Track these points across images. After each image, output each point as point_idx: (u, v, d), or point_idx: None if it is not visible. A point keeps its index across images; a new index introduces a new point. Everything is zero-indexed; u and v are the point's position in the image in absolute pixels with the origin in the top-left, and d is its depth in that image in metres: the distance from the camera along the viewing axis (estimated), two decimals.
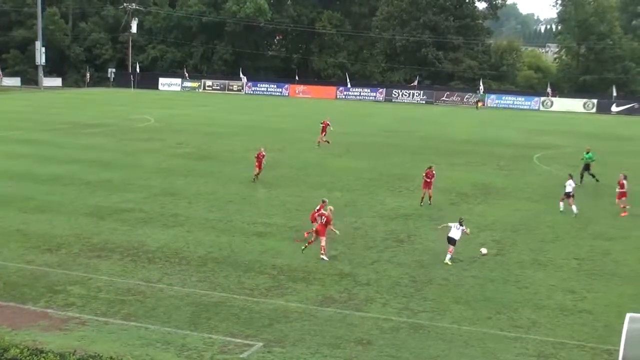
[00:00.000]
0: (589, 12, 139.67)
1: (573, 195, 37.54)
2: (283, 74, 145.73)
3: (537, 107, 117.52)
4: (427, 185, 38.71)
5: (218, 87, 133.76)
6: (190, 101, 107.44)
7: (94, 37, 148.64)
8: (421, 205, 38.44)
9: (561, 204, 38.14)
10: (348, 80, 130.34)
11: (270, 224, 33.77)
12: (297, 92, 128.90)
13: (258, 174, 44.10)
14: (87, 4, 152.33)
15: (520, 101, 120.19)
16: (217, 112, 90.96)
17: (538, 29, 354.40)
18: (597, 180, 45.77)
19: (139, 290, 24.51)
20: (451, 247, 28.40)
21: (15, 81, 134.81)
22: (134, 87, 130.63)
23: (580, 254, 30.44)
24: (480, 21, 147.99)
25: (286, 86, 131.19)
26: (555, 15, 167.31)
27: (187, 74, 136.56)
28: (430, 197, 38.91)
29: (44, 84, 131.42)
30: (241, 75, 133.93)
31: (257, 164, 44.10)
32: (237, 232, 32.15)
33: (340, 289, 25.18)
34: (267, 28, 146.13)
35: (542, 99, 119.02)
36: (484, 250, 29.62)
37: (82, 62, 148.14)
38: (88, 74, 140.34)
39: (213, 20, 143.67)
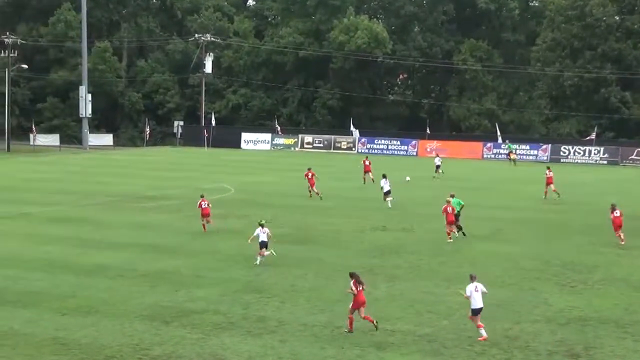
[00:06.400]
0: None
1: None
2: (409, 126, 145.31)
3: None
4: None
5: (321, 145, 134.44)
6: (283, 164, 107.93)
7: (155, 80, 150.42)
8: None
9: None
10: (499, 133, 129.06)
11: (393, 332, 33.47)
12: (428, 149, 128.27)
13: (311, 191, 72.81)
14: (146, 35, 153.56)
15: None
16: (320, 178, 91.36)
17: None
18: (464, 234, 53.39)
19: None
20: None
21: (53, 139, 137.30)
22: (208, 146, 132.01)
23: None
24: None
25: (414, 142, 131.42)
26: None
27: (279, 127, 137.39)
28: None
29: (89, 143, 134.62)
30: (352, 128, 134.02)
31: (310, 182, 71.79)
32: (348, 343, 31.99)
33: None
34: (387, 64, 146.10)
35: None
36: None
37: (139, 113, 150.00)
38: (148, 129, 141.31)
39: (314, 55, 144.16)
